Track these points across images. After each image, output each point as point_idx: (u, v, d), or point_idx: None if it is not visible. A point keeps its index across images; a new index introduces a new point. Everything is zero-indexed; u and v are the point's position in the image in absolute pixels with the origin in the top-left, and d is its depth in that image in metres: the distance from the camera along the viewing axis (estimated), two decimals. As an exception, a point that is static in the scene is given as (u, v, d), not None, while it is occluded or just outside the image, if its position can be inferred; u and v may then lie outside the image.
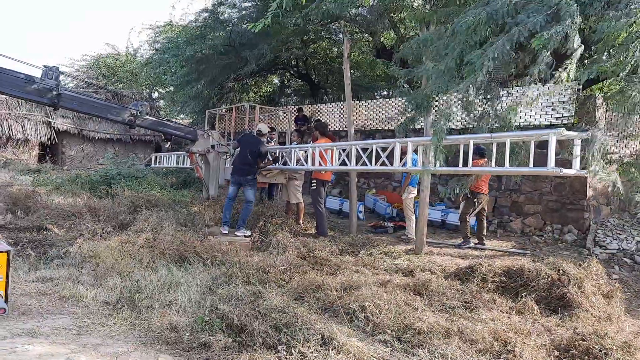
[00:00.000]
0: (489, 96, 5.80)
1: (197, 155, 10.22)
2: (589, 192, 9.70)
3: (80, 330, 4.50)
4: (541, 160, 5.64)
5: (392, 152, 7.25)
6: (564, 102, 9.93)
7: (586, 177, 9.38)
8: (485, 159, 8.09)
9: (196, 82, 16.69)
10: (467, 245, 8.96)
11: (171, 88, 21.40)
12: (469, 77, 4.93)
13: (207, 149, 10.10)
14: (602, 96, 9.67)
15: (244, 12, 16.20)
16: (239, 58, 15.84)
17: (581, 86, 10.19)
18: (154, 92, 27.57)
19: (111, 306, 5.14)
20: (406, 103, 6.90)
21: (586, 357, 4.37)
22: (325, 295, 5.38)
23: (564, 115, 9.97)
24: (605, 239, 9.08)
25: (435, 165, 6.28)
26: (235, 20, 16.41)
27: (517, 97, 10.13)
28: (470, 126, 9.49)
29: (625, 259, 8.56)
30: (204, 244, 7.21)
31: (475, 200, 8.91)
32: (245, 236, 8.28)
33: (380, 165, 7.33)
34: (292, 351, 4.02)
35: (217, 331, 4.46)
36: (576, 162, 5.48)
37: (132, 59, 27.96)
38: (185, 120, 23.08)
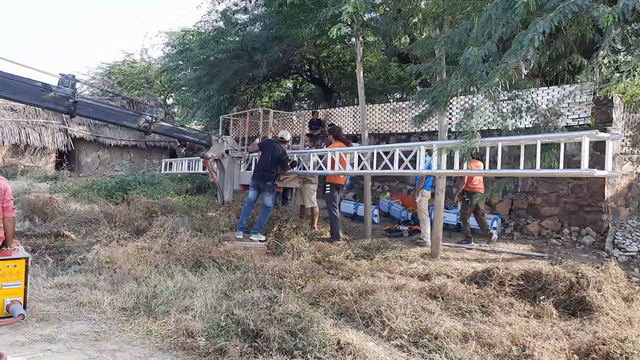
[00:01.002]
0: (519, 91, 5.62)
1: (212, 160, 10.27)
2: (607, 194, 9.56)
3: (98, 336, 4.53)
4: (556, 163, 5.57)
5: (408, 155, 7.21)
6: (580, 102, 9.82)
7: (604, 179, 9.26)
8: (480, 162, 8.14)
9: (209, 85, 16.79)
10: (467, 245, 8.97)
11: (183, 89, 21.53)
12: (514, 55, 4.63)
13: (221, 154, 10.15)
14: (619, 96, 9.53)
15: (256, 16, 16.30)
16: (251, 62, 15.92)
17: (598, 86, 10.08)
18: (168, 99, 27.82)
19: (128, 312, 5.17)
20: (420, 99, 6.80)
21: (607, 362, 4.30)
22: (341, 300, 5.36)
23: (581, 116, 9.85)
24: (624, 241, 8.94)
25: (460, 167, 6.23)
26: (247, 24, 16.51)
27: (542, 97, 10.05)
28: (494, 127, 9.39)
29: (645, 262, 8.42)
30: (219, 249, 7.23)
31: (468, 200, 8.94)
32: (260, 241, 8.29)
33: (404, 169, 7.26)
34: (308, 356, 4.01)
35: (233, 336, 4.45)
36: (608, 163, 5.39)
37: (147, 67, 28.26)
38: (199, 125, 23.24)
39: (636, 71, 4.99)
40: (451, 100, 12.26)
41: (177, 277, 5.98)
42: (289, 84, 24.20)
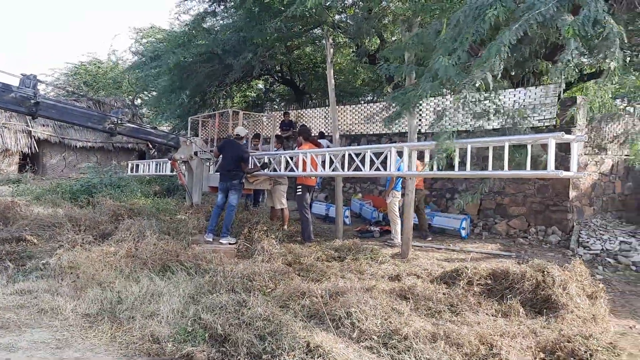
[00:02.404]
0: (491, 94, 5.69)
1: (180, 162, 10.12)
2: (572, 194, 9.77)
3: (60, 344, 4.39)
4: (522, 164, 5.65)
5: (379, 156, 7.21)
6: (545, 104, 10.01)
7: (569, 179, 9.45)
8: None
9: (180, 91, 16.61)
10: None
11: (154, 93, 21.23)
12: (480, 66, 4.68)
13: (189, 155, 10.00)
14: (583, 98, 9.76)
15: (227, 21, 16.18)
16: (223, 65, 15.78)
17: (562, 88, 10.29)
18: (137, 99, 27.36)
19: (91, 318, 5.03)
20: (388, 101, 6.81)
21: (572, 359, 4.36)
22: (311, 302, 5.31)
23: (546, 117, 10.05)
24: (588, 240, 9.14)
25: (432, 169, 6.26)
26: (218, 28, 16.37)
27: (507, 99, 10.20)
28: (463, 129, 9.50)
29: (608, 259, 8.62)
30: (188, 253, 7.10)
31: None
32: (229, 244, 8.20)
33: (375, 170, 7.26)
34: (277, 360, 3.96)
35: (200, 341, 4.38)
36: (573, 164, 5.47)
37: (114, 66, 27.74)
38: (168, 127, 22.93)
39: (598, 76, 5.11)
40: (421, 102, 12.38)
41: (143, 282, 5.84)
42: (260, 85, 24.09)
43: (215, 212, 8.69)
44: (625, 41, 4.63)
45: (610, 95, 6.07)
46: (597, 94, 5.17)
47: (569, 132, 8.50)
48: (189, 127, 12.50)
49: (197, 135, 12.19)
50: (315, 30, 16.11)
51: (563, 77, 4.79)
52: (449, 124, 9.93)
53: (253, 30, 13.67)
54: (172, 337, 4.48)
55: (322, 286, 5.92)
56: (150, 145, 9.90)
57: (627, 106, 9.92)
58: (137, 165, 14.50)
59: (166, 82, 17.34)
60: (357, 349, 4.36)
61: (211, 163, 10.35)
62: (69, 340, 4.50)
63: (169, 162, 10.92)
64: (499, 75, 4.82)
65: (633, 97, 8.94)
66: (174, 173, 11.04)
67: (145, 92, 25.85)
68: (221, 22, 16.54)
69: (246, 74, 17.67)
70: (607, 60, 4.41)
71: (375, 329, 4.65)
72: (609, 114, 5.66)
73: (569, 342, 4.54)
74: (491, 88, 4.90)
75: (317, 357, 4.03)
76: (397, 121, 10.74)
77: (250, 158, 9.12)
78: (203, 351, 4.18)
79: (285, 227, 9.67)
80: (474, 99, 5.42)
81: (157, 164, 12.93)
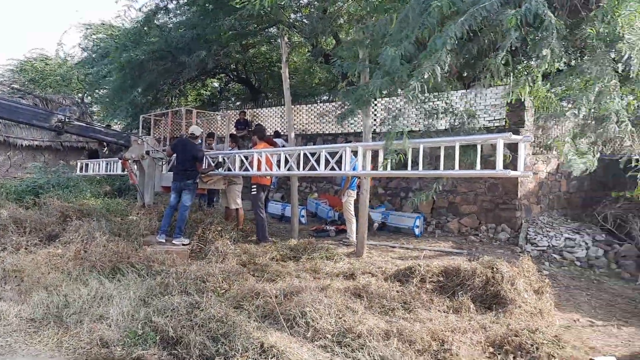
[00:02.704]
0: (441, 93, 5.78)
1: (131, 161, 9.87)
2: (520, 192, 10.08)
3: (2, 350, 4.22)
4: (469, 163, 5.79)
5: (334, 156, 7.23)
6: (495, 105, 10.29)
7: (517, 178, 9.74)
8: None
9: (132, 89, 16.20)
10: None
11: (104, 92, 20.63)
12: (427, 59, 4.72)
13: (141, 155, 9.77)
14: (530, 99, 10.07)
15: (180, 18, 15.88)
16: (176, 63, 15.49)
17: (511, 90, 10.59)
18: (86, 97, 26.53)
19: (37, 323, 4.85)
20: (345, 98, 6.84)
21: (519, 352, 4.51)
22: (265, 303, 5.30)
23: (496, 118, 10.33)
24: (536, 237, 9.45)
25: (385, 168, 6.32)
26: (171, 25, 16.06)
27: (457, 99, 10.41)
28: (416, 129, 9.63)
29: (554, 255, 8.95)
30: (139, 254, 6.95)
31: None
32: (182, 244, 8.06)
33: (330, 170, 7.27)
34: (230, 361, 3.93)
35: (151, 345, 4.30)
36: (521, 164, 5.63)
37: (63, 63, 26.81)
38: (120, 125, 22.35)
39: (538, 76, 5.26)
40: (375, 102, 12.51)
41: (91, 285, 5.67)
42: (215, 84, 23.79)
43: (167, 213, 8.53)
44: (566, 36, 4.78)
45: (556, 97, 6.29)
46: (540, 94, 5.33)
47: (517, 132, 8.77)
48: (140, 126, 12.20)
49: (149, 134, 11.92)
50: (271, 29, 16.04)
51: (497, 75, 4.92)
52: (402, 124, 10.05)
53: (207, 28, 13.48)
54: (122, 340, 4.37)
55: (277, 286, 5.91)
56: (105, 144, 9.60)
57: (572, 108, 10.31)
58: (87, 165, 14.03)
59: (117, 80, 16.88)
60: (311, 348, 4.37)
61: (164, 162, 10.14)
62: (13, 346, 4.33)
63: (120, 161, 10.64)
64: (446, 68, 4.89)
65: (577, 99, 9.29)
66: (125, 173, 10.77)
67: (96, 90, 25.07)
68: (174, 19, 16.23)
69: (201, 72, 17.43)
70: (543, 50, 4.54)
71: (329, 327, 4.67)
72: (554, 114, 5.85)
73: (516, 336, 4.69)
74: (439, 79, 4.96)
75: (271, 357, 4.02)
76: (352, 120, 10.81)
77: (204, 157, 8.99)
78: (154, 354, 4.10)
79: (240, 227, 9.58)
80: (423, 97, 5.49)
81: (107, 164, 12.55)
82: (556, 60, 4.61)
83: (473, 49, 5.17)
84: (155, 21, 15.68)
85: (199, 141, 9.11)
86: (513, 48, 4.59)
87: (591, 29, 4.59)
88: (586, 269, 8.68)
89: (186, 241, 8.21)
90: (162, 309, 4.91)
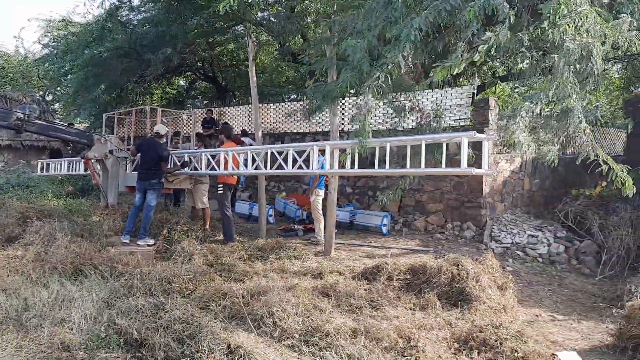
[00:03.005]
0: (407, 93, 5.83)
1: (94, 161, 9.64)
2: (485, 190, 10.26)
3: (-43, 357, 4.06)
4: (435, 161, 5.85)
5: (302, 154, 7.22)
6: (460, 105, 10.45)
7: (482, 176, 9.92)
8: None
9: (95, 87, 15.84)
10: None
11: (68, 90, 20.09)
12: (393, 50, 4.78)
13: (104, 154, 9.55)
14: (494, 99, 10.27)
15: (144, 15, 15.62)
16: (140, 60, 15.21)
17: (476, 90, 10.80)
18: (48, 95, 25.83)
19: (-6, 328, 4.68)
20: (311, 95, 6.86)
21: (483, 348, 4.59)
22: (232, 303, 5.25)
23: (461, 117, 10.49)
24: (500, 234, 9.64)
25: (353, 167, 6.35)
26: (135, 22, 15.77)
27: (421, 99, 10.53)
28: (384, 128, 9.70)
29: (517, 252, 9.15)
30: (102, 255, 6.80)
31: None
32: (147, 245, 7.92)
33: (297, 169, 7.24)
34: (196, 363, 3.87)
35: (115, 347, 4.21)
36: (485, 162, 5.73)
37: (23, 60, 26.03)
38: (84, 124, 21.84)
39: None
40: (343, 101, 12.54)
41: (52, 287, 5.51)
42: (182, 82, 23.47)
43: (132, 213, 8.37)
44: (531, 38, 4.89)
45: (519, 96, 6.42)
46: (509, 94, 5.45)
47: (482, 131, 8.91)
48: (103, 125, 11.94)
49: (113, 133, 11.67)
50: (238, 27, 15.91)
51: (464, 58, 4.99)
52: (369, 122, 10.13)
53: (172, 25, 13.29)
54: (84, 344, 4.27)
55: (244, 286, 5.86)
56: (70, 144, 9.32)
57: (532, 105, 10.55)
58: (48, 165, 13.65)
59: (79, 77, 16.47)
60: (278, 348, 4.35)
61: (128, 162, 9.94)
62: (-32, 352, 4.17)
63: (82, 161, 10.38)
64: (409, 60, 4.93)
65: (535, 96, 9.53)
66: (88, 172, 10.51)
67: (58, 88, 24.42)
68: (138, 15, 15.94)
69: (166, 70, 17.16)
70: (494, 34, 4.63)
71: (297, 327, 4.66)
72: (515, 112, 5.96)
73: (481, 332, 4.77)
74: (402, 71, 4.99)
75: (238, 358, 3.99)
76: (319, 119, 10.81)
77: (170, 157, 8.86)
78: (118, 357, 4.03)
79: (207, 227, 9.48)
80: (390, 96, 5.55)
81: (69, 163, 12.23)
82: (519, 59, 4.72)
83: (438, 46, 5.25)
84: (118, 17, 15.37)
85: (164, 140, 8.96)
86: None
87: (550, 30, 4.69)
88: (548, 265, 8.90)
89: (151, 242, 8.07)
90: (126, 311, 4.80)
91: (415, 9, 4.90)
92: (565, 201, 10.40)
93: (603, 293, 7.73)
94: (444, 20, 4.74)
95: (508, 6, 4.59)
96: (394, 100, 5.81)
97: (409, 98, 6.54)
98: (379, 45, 4.95)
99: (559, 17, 4.47)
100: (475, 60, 4.63)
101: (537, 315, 6.53)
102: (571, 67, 4.61)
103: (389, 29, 4.97)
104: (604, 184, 9.79)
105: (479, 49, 4.46)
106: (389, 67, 4.74)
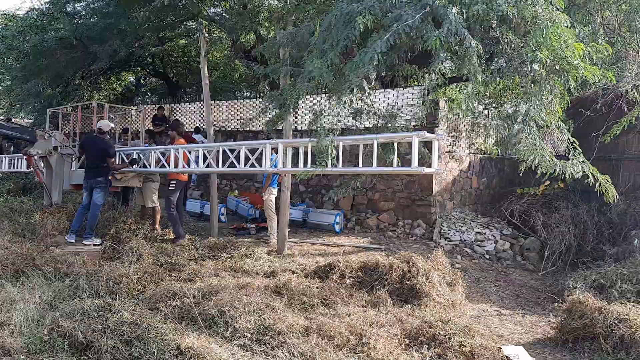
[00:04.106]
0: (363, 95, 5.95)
1: (37, 157, 9.27)
2: (435, 189, 10.48)
3: None
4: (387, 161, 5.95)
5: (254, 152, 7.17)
6: (412, 105, 10.63)
7: (432, 175, 10.12)
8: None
9: (35, 78, 15.19)
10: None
11: (7, 78, 19.16)
12: (354, 71, 4.92)
13: (48, 150, 9.18)
14: (444, 100, 10.48)
15: (92, 6, 15.12)
16: (87, 53, 14.71)
17: (427, 91, 10.98)
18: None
19: None
20: (268, 104, 6.87)
21: (433, 343, 4.69)
22: (183, 303, 5.14)
23: (413, 117, 10.67)
24: (449, 232, 9.88)
25: (306, 166, 6.38)
26: (83, 12, 15.24)
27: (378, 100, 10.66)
28: (337, 127, 9.78)
29: (466, 249, 9.40)
30: (46, 256, 6.53)
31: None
32: (94, 245, 7.69)
33: (250, 167, 7.17)
34: (145, 365, 3.78)
35: (59, 351, 4.05)
36: (434, 161, 5.85)
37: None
38: (28, 120, 20.93)
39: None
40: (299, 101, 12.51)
41: (-9, 290, 5.26)
42: (131, 78, 22.86)
43: (79, 212, 8.11)
44: (482, 51, 5.09)
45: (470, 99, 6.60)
46: (460, 98, 5.60)
47: (432, 131, 9.10)
48: (47, 120, 11.47)
49: (58, 129, 11.25)
50: (190, 22, 15.64)
51: (431, 81, 5.19)
52: (326, 123, 10.20)
53: (121, 18, 12.91)
54: (26, 347, 4.08)
55: (195, 286, 5.77)
56: (9, 139, 8.87)
57: (485, 108, 10.87)
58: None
59: (20, 69, 15.76)
60: (230, 347, 4.30)
61: (74, 159, 9.60)
62: None
63: (25, 157, 9.95)
64: (373, 82, 5.12)
65: (490, 101, 9.83)
66: (31, 170, 10.09)
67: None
68: (86, 7, 15.41)
69: (115, 65, 16.69)
70: (470, 72, 4.86)
71: (249, 326, 4.62)
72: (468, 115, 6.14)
73: (430, 327, 4.88)
74: (366, 92, 5.16)
75: (188, 359, 3.91)
76: (279, 124, 10.77)
77: (117, 153, 8.61)
78: (61, 361, 3.86)
79: (157, 226, 9.28)
80: (349, 101, 5.66)
81: (10, 160, 11.71)
82: (477, 73, 4.90)
83: (395, 58, 5.40)
84: (65, 7, 14.82)
85: (108, 137, 8.70)
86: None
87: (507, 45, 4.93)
88: (494, 262, 9.19)
89: (98, 241, 7.84)
90: (71, 313, 4.62)
91: (375, 28, 5.05)
92: (511, 199, 10.75)
93: (546, 288, 8.05)
94: (403, 42, 4.89)
95: (470, 36, 4.78)
96: (350, 103, 5.88)
97: (364, 100, 6.62)
98: (340, 63, 5.09)
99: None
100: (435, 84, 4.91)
101: (484, 311, 6.74)
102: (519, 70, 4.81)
103: (349, 46, 5.14)
104: (547, 183, 10.19)
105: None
106: (354, 90, 4.90)
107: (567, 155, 5.45)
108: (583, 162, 5.26)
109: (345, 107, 5.68)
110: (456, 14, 4.76)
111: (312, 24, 6.27)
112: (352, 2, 5.27)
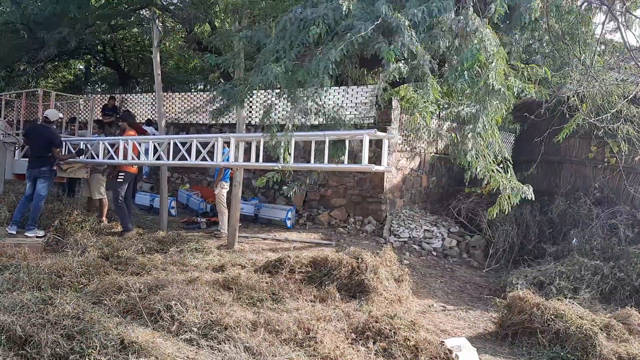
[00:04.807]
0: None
1: (-23, 146, 8.87)
2: (386, 186, 10.66)
3: None
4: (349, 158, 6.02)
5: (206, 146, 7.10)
6: (365, 103, 10.76)
7: (384, 173, 10.29)
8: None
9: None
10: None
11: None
12: (310, 79, 5.10)
13: (-11, 139, 8.82)
14: (397, 99, 10.66)
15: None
16: (33, 39, 14.13)
17: (381, 90, 11.13)
18: None
19: None
20: (218, 95, 6.84)
21: (379, 337, 4.79)
22: (128, 297, 5.04)
23: (366, 115, 10.80)
24: (398, 229, 10.07)
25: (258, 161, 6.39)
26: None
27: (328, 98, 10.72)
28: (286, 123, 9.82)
29: (414, 246, 9.61)
30: (-16, 248, 6.29)
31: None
32: (36, 237, 7.43)
33: (201, 160, 7.09)
34: (87, 359, 3.70)
35: (-4, 345, 3.91)
36: (384, 159, 5.95)
37: None
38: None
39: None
40: (251, 96, 12.44)
41: None
42: (81, 66, 22.12)
43: (22, 203, 7.82)
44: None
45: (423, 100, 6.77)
46: (414, 98, 5.75)
47: (385, 130, 9.25)
48: (-11, 107, 10.96)
49: (0, 116, 10.77)
50: (143, 11, 15.26)
51: (382, 82, 5.34)
52: (278, 119, 10.21)
53: (71, 5, 12.49)
54: (-40, 342, 3.92)
55: (142, 280, 5.66)
56: None
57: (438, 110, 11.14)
58: None
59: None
60: (175, 342, 4.26)
61: (17, 147, 9.23)
62: None
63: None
64: (326, 88, 5.28)
65: (441, 104, 10.09)
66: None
67: None
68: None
69: (63, 52, 16.10)
70: (424, 84, 5.06)
71: (195, 320, 4.59)
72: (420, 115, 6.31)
73: (377, 322, 4.97)
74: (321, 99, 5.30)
75: (132, 354, 3.85)
76: (225, 114, 10.69)
77: (63, 143, 8.35)
78: (-1, 356, 3.73)
79: (104, 218, 9.06)
80: (300, 100, 5.74)
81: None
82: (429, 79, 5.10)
83: (347, 63, 5.54)
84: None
85: (54, 126, 8.42)
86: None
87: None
88: (441, 259, 9.44)
89: (41, 233, 7.58)
90: (9, 307, 4.46)
91: (328, 37, 5.21)
92: (458, 198, 11.05)
93: (489, 284, 8.34)
94: (356, 51, 5.07)
95: (422, 49, 4.99)
96: (299, 99, 5.94)
97: (314, 98, 6.68)
98: (294, 68, 5.20)
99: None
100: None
101: (429, 306, 6.92)
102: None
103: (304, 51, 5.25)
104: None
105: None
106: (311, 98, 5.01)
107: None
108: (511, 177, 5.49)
109: (297, 109, 5.78)
110: (408, 26, 4.92)
111: (269, 26, 6.33)
112: (307, 7, 5.37)
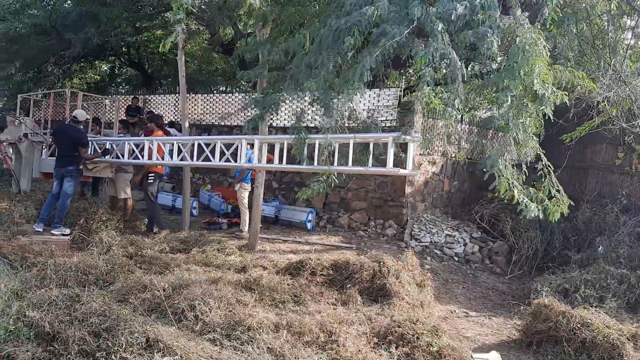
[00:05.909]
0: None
1: (6, 144, 9.06)
2: (408, 190, 10.60)
3: None
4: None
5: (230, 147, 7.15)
6: (387, 106, 10.73)
7: (405, 176, 10.24)
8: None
9: (7, 64, 14.85)
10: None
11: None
12: (346, 87, 5.13)
13: (18, 137, 8.99)
14: (420, 102, 10.61)
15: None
16: (61, 40, 14.42)
17: (402, 92, 11.10)
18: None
19: None
20: (253, 106, 6.95)
21: (401, 342, 4.76)
22: (152, 296, 5.10)
23: (388, 118, 10.77)
24: (420, 233, 10.01)
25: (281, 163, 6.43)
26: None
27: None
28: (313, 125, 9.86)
29: (436, 251, 9.54)
30: (12, 244, 6.41)
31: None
32: (63, 235, 7.55)
33: (225, 162, 7.14)
34: (113, 357, 3.75)
35: (25, 341, 3.97)
36: (409, 163, 5.92)
37: None
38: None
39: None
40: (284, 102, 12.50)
41: (-45, 278, 5.14)
42: (105, 67, 22.47)
43: (49, 201, 7.97)
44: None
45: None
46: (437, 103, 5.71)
47: (407, 133, 9.19)
48: (18, 107, 11.19)
49: (28, 116, 11.00)
50: (167, 13, 15.45)
51: (402, 84, 5.33)
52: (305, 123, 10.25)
53: (97, 6, 12.71)
54: (-9, 337, 4.00)
55: (166, 279, 5.72)
56: None
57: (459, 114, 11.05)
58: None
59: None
60: (199, 341, 4.28)
61: (44, 146, 9.41)
62: None
63: (-8, 143, 9.71)
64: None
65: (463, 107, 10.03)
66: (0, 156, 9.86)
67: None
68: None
69: (89, 53, 16.39)
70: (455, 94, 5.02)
71: (219, 320, 4.62)
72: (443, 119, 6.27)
73: (399, 327, 4.94)
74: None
75: (157, 352, 3.89)
76: (248, 113, 10.81)
77: (90, 143, 8.48)
78: (27, 351, 3.79)
79: (128, 217, 9.17)
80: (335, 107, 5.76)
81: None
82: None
83: (381, 67, 5.56)
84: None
85: (82, 126, 8.58)
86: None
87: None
88: (463, 264, 9.35)
89: (67, 231, 7.70)
90: (37, 303, 4.54)
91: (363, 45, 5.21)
92: (481, 203, 10.94)
93: (512, 291, 8.23)
94: (391, 55, 5.04)
95: (456, 55, 4.95)
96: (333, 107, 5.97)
97: (348, 104, 6.71)
98: (333, 79, 5.26)
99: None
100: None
101: (451, 312, 6.86)
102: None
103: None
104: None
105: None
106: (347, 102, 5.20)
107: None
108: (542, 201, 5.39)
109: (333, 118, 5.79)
110: (442, 30, 4.86)
111: (303, 35, 6.35)
112: (340, 17, 5.36)
